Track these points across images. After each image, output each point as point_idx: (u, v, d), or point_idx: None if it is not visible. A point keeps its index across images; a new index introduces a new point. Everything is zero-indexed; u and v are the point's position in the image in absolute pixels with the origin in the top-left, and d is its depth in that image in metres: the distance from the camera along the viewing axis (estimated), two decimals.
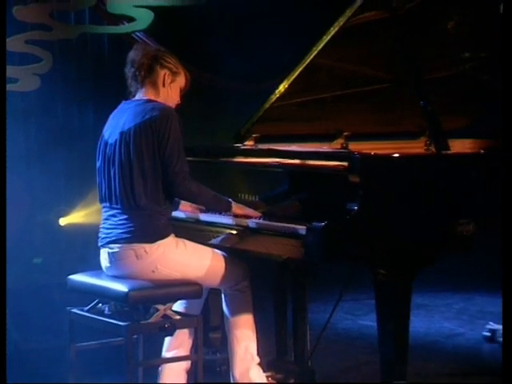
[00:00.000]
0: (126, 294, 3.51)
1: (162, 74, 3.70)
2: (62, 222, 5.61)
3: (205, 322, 3.90)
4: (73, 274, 3.84)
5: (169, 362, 3.86)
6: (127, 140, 3.61)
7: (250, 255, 3.78)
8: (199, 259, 3.70)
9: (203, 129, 5.20)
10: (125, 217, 3.62)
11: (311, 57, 3.94)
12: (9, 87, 5.44)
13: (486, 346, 4.74)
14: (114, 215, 3.66)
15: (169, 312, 3.62)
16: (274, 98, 4.11)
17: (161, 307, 3.59)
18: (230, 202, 3.72)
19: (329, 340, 4.35)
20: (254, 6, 5.98)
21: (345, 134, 4.20)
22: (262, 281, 3.95)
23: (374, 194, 3.47)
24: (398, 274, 3.54)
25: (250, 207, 3.76)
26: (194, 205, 3.90)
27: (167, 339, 3.86)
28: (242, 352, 3.78)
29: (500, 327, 4.72)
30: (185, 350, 3.85)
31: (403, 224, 3.53)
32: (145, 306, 3.61)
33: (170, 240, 3.65)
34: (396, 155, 3.63)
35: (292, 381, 3.93)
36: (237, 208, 3.73)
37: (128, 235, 3.60)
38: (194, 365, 3.73)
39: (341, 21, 3.83)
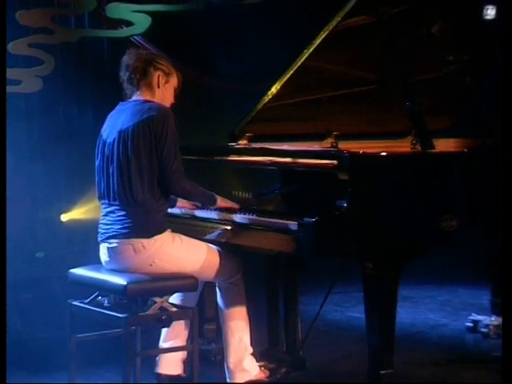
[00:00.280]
0: (125, 287, 3.51)
1: (156, 75, 3.69)
2: (63, 218, 5.60)
3: (200, 314, 3.91)
4: (74, 267, 3.83)
5: (166, 352, 3.86)
6: (125, 139, 3.60)
7: (244, 250, 3.78)
8: (195, 253, 3.69)
9: (200, 128, 5.18)
10: (123, 213, 3.61)
11: (302, 59, 3.95)
12: (12, 89, 5.44)
13: (468, 335, 4.74)
14: (112, 211, 3.65)
15: (166, 304, 3.62)
16: (266, 98, 4.11)
17: (158, 300, 3.59)
18: (215, 196, 3.74)
19: (319, 331, 4.35)
20: (249, 10, 5.98)
21: (334, 133, 4.19)
22: (254, 274, 3.95)
23: (363, 191, 3.47)
24: (385, 267, 3.54)
25: (244, 203, 3.76)
26: (190, 201, 3.89)
27: (164, 330, 3.85)
28: (236, 342, 3.77)
29: (482, 318, 4.73)
30: (181, 341, 3.85)
31: (390, 220, 3.54)
32: (143, 299, 3.61)
33: (167, 235, 3.64)
34: (383, 154, 3.63)
35: (284, 370, 3.93)
36: (221, 201, 3.76)
37: (126, 230, 3.59)
38: (189, 355, 3.73)
39: (331, 25, 3.84)
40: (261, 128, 4.26)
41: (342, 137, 4.21)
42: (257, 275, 4.02)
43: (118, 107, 3.75)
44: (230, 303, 3.79)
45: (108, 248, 3.66)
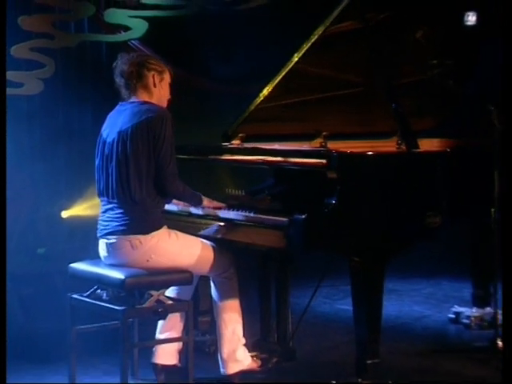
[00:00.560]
0: (123, 280, 3.50)
1: (151, 76, 3.67)
2: (64, 214, 5.59)
3: (195, 307, 3.91)
4: (74, 262, 3.82)
5: (162, 343, 3.84)
6: (124, 139, 3.58)
7: (237, 245, 3.78)
8: (190, 249, 3.68)
9: (194, 129, 5.17)
10: (121, 210, 3.60)
11: (293, 63, 3.96)
12: (15, 91, 5.43)
13: (451, 326, 4.74)
14: (111, 209, 3.64)
15: (162, 297, 3.61)
16: (258, 100, 4.12)
17: (154, 293, 3.58)
18: (202, 197, 3.75)
19: (308, 323, 4.34)
20: (242, 16, 5.97)
21: (324, 133, 4.17)
22: (247, 269, 3.94)
23: (351, 188, 3.46)
24: (372, 262, 3.54)
25: (237, 200, 3.75)
26: (180, 201, 3.88)
27: (160, 322, 3.84)
28: (230, 334, 3.77)
29: (463, 310, 4.73)
30: (177, 332, 3.84)
31: (377, 216, 3.53)
32: (140, 292, 3.60)
33: (163, 231, 3.62)
34: (370, 153, 3.63)
35: (275, 360, 3.92)
36: (207, 201, 3.76)
37: (124, 227, 3.58)
38: (185, 346, 3.72)
39: (320, 30, 3.85)
40: (253, 128, 4.25)
41: (331, 137, 4.19)
42: (249, 270, 4.01)
43: (117, 107, 3.73)
44: (223, 296, 3.78)
45: (107, 244, 3.64)
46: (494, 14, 4.44)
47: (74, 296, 3.73)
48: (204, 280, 3.91)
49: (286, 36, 5.03)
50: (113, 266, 3.64)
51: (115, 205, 3.61)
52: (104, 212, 3.67)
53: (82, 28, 5.73)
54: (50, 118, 5.64)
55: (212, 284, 3.82)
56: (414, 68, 4.26)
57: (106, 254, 3.67)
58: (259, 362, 3.87)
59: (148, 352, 3.87)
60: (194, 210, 3.89)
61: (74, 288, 3.79)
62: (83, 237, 5.36)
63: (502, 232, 3.26)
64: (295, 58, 3.93)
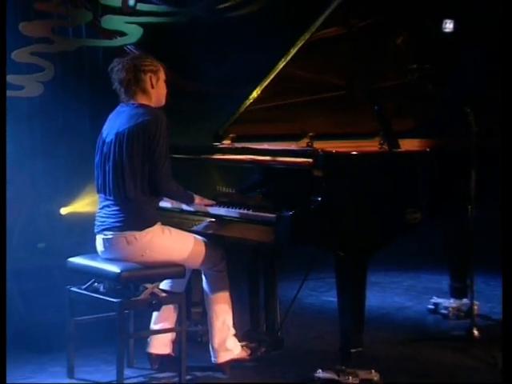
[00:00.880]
0: (119, 274, 3.49)
1: (148, 78, 3.63)
2: (63, 211, 5.56)
3: (187, 299, 3.90)
4: (72, 257, 3.80)
5: (156, 334, 3.83)
6: (121, 140, 3.56)
7: (227, 240, 3.77)
8: (182, 244, 3.66)
9: (187, 129, 5.14)
10: (117, 207, 3.58)
11: (280, 66, 3.95)
12: (16, 93, 5.39)
13: (430, 317, 4.74)
14: (108, 205, 3.62)
15: (156, 290, 3.60)
16: (248, 102, 4.10)
17: (149, 286, 3.57)
18: (193, 195, 3.73)
19: (296, 313, 4.33)
20: (232, 23, 5.96)
21: (310, 134, 4.18)
22: (237, 263, 3.92)
23: (335, 186, 3.46)
24: (356, 256, 3.54)
25: (227, 198, 3.75)
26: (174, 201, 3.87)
27: (155, 314, 3.83)
28: (220, 324, 3.75)
29: (441, 301, 4.73)
30: (170, 323, 3.82)
31: (360, 213, 3.53)
32: (135, 285, 3.59)
33: (157, 228, 3.61)
34: (354, 153, 3.63)
35: (264, 349, 3.91)
36: (198, 199, 3.75)
37: (120, 224, 3.56)
38: (178, 336, 3.71)
39: (306, 35, 3.83)
40: (243, 129, 4.24)
41: (317, 137, 4.19)
42: (239, 263, 4.00)
43: (118, 108, 3.70)
44: (214, 289, 3.76)
45: (103, 239, 3.62)
46: (472, 21, 4.45)
47: (73, 289, 3.72)
48: (196, 273, 3.90)
49: (274, 41, 5.01)
50: (109, 260, 3.62)
51: (111, 202, 3.60)
52: (101, 208, 3.66)
53: (79, 33, 5.70)
54: (50, 119, 5.61)
55: (204, 277, 3.80)
56: (394, 72, 4.26)
57: (102, 249, 3.65)
58: (249, 351, 3.86)
59: (143, 342, 3.86)
60: (185, 206, 3.87)
61: (72, 281, 3.78)
62: (81, 232, 5.32)
63: (502, 231, 3.24)
64: (283, 63, 3.92)
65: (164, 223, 3.67)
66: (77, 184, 5.44)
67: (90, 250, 3.74)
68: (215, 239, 3.76)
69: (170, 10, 5.98)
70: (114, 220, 3.57)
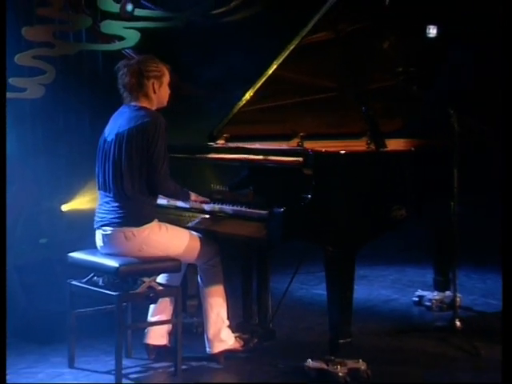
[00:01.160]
0: (117, 268, 3.48)
1: (150, 84, 3.60)
2: (64, 208, 5.54)
3: (183, 292, 3.89)
4: (72, 251, 3.78)
5: (153, 325, 3.81)
6: (121, 141, 3.54)
7: (221, 236, 3.75)
8: (178, 240, 3.65)
9: (183, 130, 5.13)
10: (116, 204, 3.57)
11: (272, 69, 3.93)
12: (19, 95, 5.38)
13: (415, 308, 4.74)
14: (107, 202, 3.61)
15: (153, 283, 3.59)
16: (241, 104, 4.09)
17: (146, 279, 3.56)
18: (189, 193, 3.72)
19: (287, 306, 4.32)
20: (225, 27, 5.96)
21: (300, 134, 4.17)
22: (231, 257, 3.91)
23: (325, 184, 3.45)
24: (344, 251, 3.53)
25: (221, 195, 3.75)
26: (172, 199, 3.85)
27: (152, 306, 3.81)
28: (215, 316, 3.74)
29: (426, 293, 4.73)
30: (166, 315, 3.81)
31: (348, 210, 3.52)
32: (133, 279, 3.58)
33: (154, 224, 3.59)
34: (343, 152, 3.61)
35: (256, 340, 3.90)
36: (194, 196, 3.73)
37: (119, 220, 3.55)
38: (174, 327, 3.69)
39: (296, 39, 3.82)
40: (236, 129, 4.22)
41: (307, 137, 4.18)
42: (233, 258, 3.99)
43: (120, 109, 3.68)
44: (209, 282, 3.75)
45: (103, 235, 3.61)
46: (455, 27, 4.45)
47: (73, 282, 3.70)
48: (192, 267, 3.89)
49: (267, 45, 5.00)
50: (108, 255, 3.60)
51: (111, 199, 3.58)
52: (101, 204, 3.64)
53: (80, 38, 5.69)
54: (51, 119, 5.60)
55: (199, 271, 3.79)
56: (381, 75, 4.25)
57: (101, 244, 3.63)
58: (242, 342, 3.85)
59: (140, 333, 3.84)
60: (180, 203, 3.85)
61: (72, 275, 3.76)
62: (81, 228, 5.30)
63: (502, 231, 3.24)
64: (274, 66, 3.91)
65: (161, 220, 3.65)
66: (77, 182, 5.43)
67: (90, 245, 3.72)
68: (210, 235, 3.75)
69: (167, 16, 5.97)
70: (112, 216, 3.56)
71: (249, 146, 3.94)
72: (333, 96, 4.27)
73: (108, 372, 3.63)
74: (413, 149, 3.98)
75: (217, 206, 3.72)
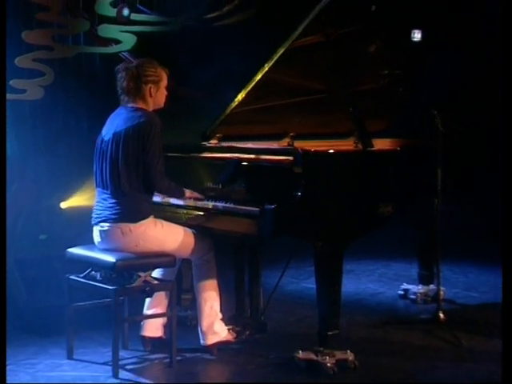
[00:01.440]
0: (114, 263, 3.47)
1: (148, 88, 3.59)
2: (63, 205, 5.53)
3: (178, 286, 3.87)
4: (71, 247, 3.77)
5: (149, 318, 3.80)
6: (117, 140, 3.53)
7: (214, 232, 3.74)
8: (173, 236, 3.64)
9: (177, 130, 5.12)
10: (113, 201, 3.55)
11: (263, 72, 3.93)
12: (19, 96, 5.36)
13: (400, 301, 4.75)
14: (105, 199, 3.59)
15: (149, 278, 3.58)
16: (233, 104, 4.08)
17: (142, 274, 3.55)
18: (184, 190, 3.71)
19: (278, 299, 4.32)
20: (219, 31, 5.95)
21: (291, 134, 4.14)
22: (224, 252, 3.90)
23: (314, 182, 3.44)
24: (332, 246, 3.52)
25: (214, 193, 3.74)
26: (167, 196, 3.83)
27: (147, 300, 3.79)
28: (208, 309, 3.73)
29: (411, 287, 4.74)
30: (162, 309, 3.79)
31: (337, 207, 3.51)
32: (129, 273, 3.56)
33: (150, 220, 3.58)
34: (331, 151, 3.61)
35: (248, 332, 3.90)
36: (189, 193, 3.72)
37: (115, 216, 3.54)
38: (169, 320, 3.68)
39: (287, 43, 3.82)
40: (229, 129, 4.21)
41: (297, 137, 4.17)
42: (226, 253, 3.98)
43: (117, 110, 3.66)
44: (203, 277, 3.74)
45: (100, 231, 3.60)
46: (439, 32, 4.46)
47: (72, 277, 3.69)
48: (186, 262, 3.88)
49: (258, 48, 4.99)
50: (105, 250, 3.59)
51: (108, 196, 3.57)
52: (98, 201, 3.63)
53: (78, 41, 5.67)
54: (51, 120, 5.59)
55: (193, 266, 3.78)
56: (368, 77, 4.25)
57: (99, 240, 3.62)
58: (234, 334, 3.84)
59: (137, 326, 3.83)
60: (175, 200, 3.84)
61: (71, 270, 3.74)
62: (80, 225, 5.27)
63: (502, 231, 3.24)
64: (266, 68, 3.91)
65: (156, 216, 3.64)
66: (76, 180, 5.41)
67: (88, 241, 3.71)
68: (203, 231, 3.74)
69: (162, 20, 5.96)
70: (110, 212, 3.54)
71: (241, 146, 3.93)
72: (322, 97, 4.26)
73: (105, 363, 3.62)
74: (398, 148, 3.97)
75: (210, 203, 3.71)
